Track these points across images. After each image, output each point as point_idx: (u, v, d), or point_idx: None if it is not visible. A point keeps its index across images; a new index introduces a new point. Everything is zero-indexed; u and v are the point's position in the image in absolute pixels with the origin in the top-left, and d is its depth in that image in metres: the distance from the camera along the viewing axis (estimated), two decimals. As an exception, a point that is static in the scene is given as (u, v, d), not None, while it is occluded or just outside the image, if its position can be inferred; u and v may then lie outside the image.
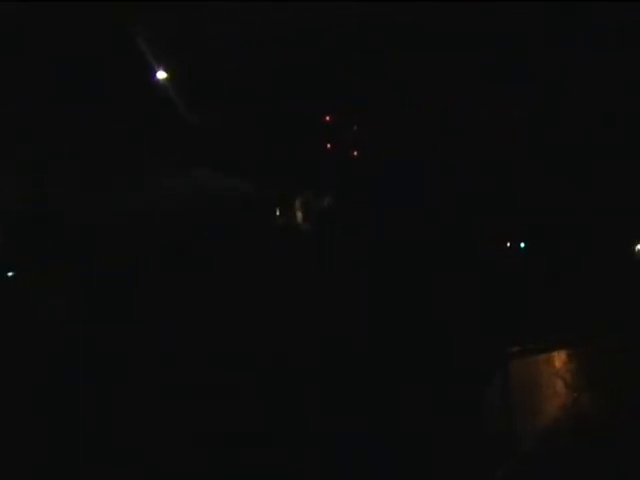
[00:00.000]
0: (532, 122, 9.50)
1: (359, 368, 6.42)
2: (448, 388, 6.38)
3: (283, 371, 6.21)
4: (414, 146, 8.95)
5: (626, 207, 10.06)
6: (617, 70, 9.14)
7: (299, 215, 8.55)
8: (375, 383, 6.36)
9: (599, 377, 8.04)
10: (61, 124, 7.27)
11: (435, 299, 7.08)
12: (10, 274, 6.47)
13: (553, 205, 9.67)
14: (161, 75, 8.09)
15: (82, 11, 7.31)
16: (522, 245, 9.36)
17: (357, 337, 6.70)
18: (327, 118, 9.32)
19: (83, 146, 7.33)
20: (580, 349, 8.28)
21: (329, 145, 9.22)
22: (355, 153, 9.23)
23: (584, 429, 7.32)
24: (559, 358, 8.15)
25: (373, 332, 6.77)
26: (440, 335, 6.68)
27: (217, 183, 7.69)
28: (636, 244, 11.06)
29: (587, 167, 9.85)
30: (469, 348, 6.76)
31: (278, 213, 8.53)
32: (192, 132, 7.93)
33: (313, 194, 8.67)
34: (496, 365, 6.92)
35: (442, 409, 6.26)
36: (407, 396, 6.19)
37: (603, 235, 10.35)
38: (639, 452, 6.46)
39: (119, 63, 7.62)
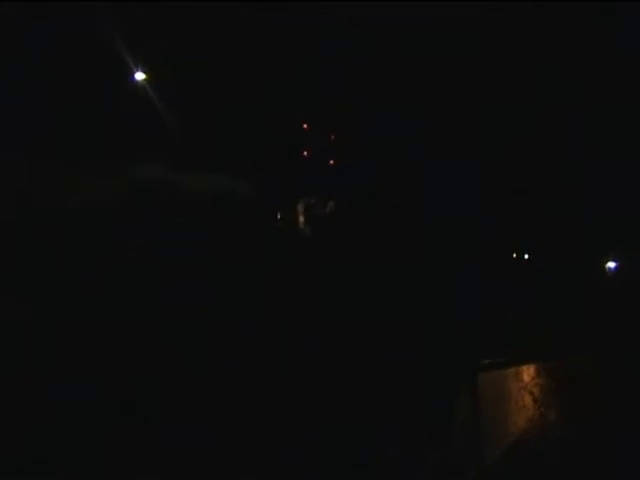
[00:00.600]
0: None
1: (330, 377, 6.39)
2: (417, 399, 6.37)
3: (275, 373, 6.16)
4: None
5: (595, 228, 10.19)
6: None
7: (301, 219, 8.52)
8: (345, 393, 6.33)
9: (566, 392, 8.12)
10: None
11: (408, 312, 7.09)
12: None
13: (528, 223, 9.77)
14: (140, 76, 8.06)
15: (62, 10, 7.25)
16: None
17: (335, 344, 6.67)
18: (304, 126, 9.34)
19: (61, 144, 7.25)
20: (548, 364, 8.36)
21: (306, 153, 9.23)
22: (332, 162, 9.25)
23: (550, 441, 7.38)
24: (528, 372, 8.22)
25: (349, 342, 6.73)
26: (411, 347, 6.68)
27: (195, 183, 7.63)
28: (605, 262, 11.23)
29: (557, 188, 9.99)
30: (439, 361, 6.78)
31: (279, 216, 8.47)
32: (171, 132, 7.89)
33: (315, 199, 8.65)
34: (465, 378, 6.94)
35: (411, 420, 6.25)
36: (376, 407, 6.16)
37: (573, 254, 10.49)
38: (602, 464, 6.53)
39: (99, 65, 7.57)
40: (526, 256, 10.46)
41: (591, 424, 7.43)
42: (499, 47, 9.32)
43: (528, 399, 8.09)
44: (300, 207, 8.65)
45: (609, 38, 9.32)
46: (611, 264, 11.27)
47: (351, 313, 6.83)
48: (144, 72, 7.93)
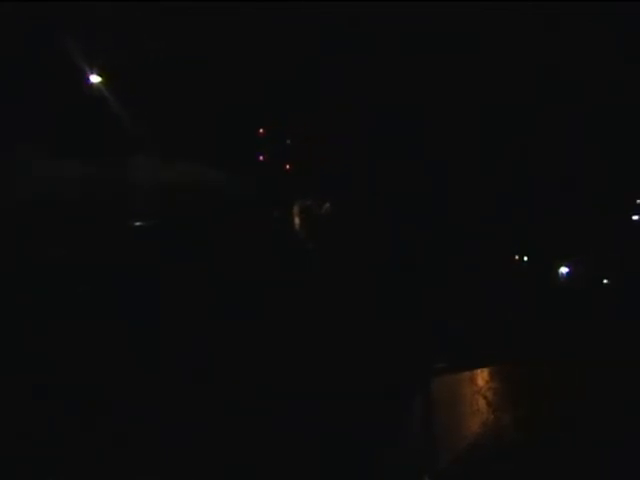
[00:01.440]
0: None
1: (289, 380, 6.34)
2: (370, 404, 6.35)
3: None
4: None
5: (550, 234, 10.31)
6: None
7: (297, 221, 8.42)
8: (299, 397, 6.28)
9: (519, 395, 8.19)
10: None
11: (362, 314, 7.07)
12: None
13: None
14: (95, 79, 7.94)
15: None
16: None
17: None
18: (260, 131, 9.26)
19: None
20: (502, 368, 8.42)
21: (262, 157, 9.15)
22: (288, 167, 9.20)
23: (503, 445, 7.43)
24: (482, 376, 8.26)
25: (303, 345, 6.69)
26: (364, 350, 6.66)
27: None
28: (558, 268, 11.39)
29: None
30: (392, 364, 6.77)
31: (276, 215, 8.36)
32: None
33: (311, 201, 8.57)
34: (419, 382, 6.95)
35: (364, 425, 6.22)
36: (328, 412, 6.13)
37: (528, 258, 10.61)
38: (556, 468, 6.59)
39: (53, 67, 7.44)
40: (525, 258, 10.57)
41: (545, 428, 7.52)
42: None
43: (482, 403, 8.13)
44: (296, 209, 8.58)
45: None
46: (564, 269, 11.46)
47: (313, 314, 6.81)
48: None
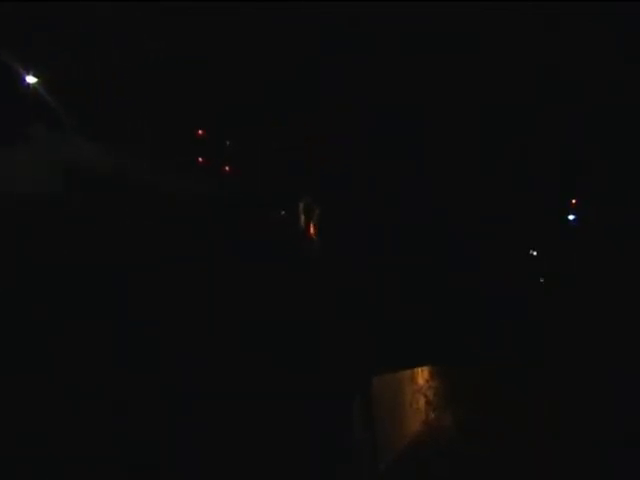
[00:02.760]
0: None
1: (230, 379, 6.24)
2: (308, 404, 6.30)
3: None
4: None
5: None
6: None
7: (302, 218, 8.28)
8: (237, 395, 6.19)
9: (458, 394, 8.28)
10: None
11: (299, 313, 7.02)
12: None
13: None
14: (31, 79, 7.74)
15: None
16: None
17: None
18: (199, 132, 9.15)
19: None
20: (442, 367, 8.51)
21: (200, 159, 9.04)
22: (227, 168, 9.10)
23: (443, 445, 7.49)
24: (422, 376, 8.32)
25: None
26: (302, 349, 6.60)
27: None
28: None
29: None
30: (331, 364, 6.73)
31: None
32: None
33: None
34: (359, 381, 6.94)
35: (302, 425, 6.17)
36: (270, 411, 6.05)
37: (482, 256, 10.69)
38: (494, 467, 6.67)
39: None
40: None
41: (484, 428, 7.62)
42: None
43: (422, 402, 8.19)
44: (301, 206, 8.44)
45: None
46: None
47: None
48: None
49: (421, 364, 8.25)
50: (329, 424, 6.56)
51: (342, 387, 6.82)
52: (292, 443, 6.09)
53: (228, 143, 9.36)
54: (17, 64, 7.70)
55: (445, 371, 8.41)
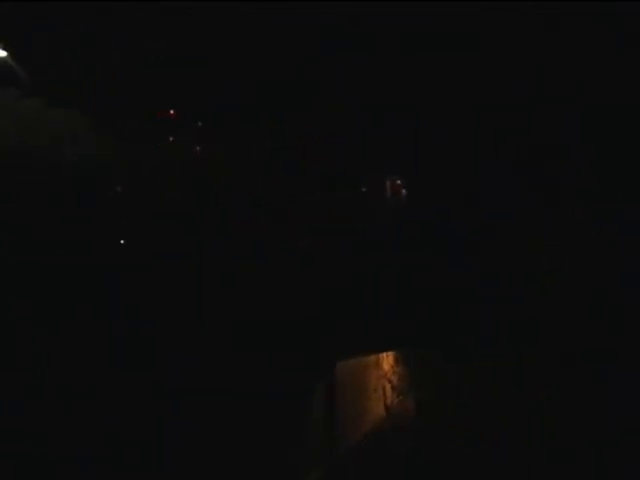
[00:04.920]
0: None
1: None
2: (270, 389, 6.35)
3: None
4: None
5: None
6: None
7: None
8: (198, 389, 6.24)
9: (424, 379, 8.32)
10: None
11: (257, 300, 7.05)
12: None
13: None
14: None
15: None
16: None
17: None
18: (171, 112, 9.10)
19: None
20: (407, 352, 8.53)
21: (171, 139, 9.00)
22: (198, 148, 9.07)
23: (403, 429, 7.54)
24: (387, 361, 8.35)
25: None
26: (263, 334, 6.65)
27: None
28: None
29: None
30: (293, 349, 6.78)
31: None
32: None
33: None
34: (321, 367, 6.98)
35: (263, 410, 6.22)
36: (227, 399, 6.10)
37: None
38: (457, 451, 6.74)
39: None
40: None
41: (447, 412, 7.66)
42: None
43: (388, 387, 8.22)
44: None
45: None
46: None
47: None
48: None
49: (386, 349, 8.27)
50: (288, 409, 6.61)
51: (304, 372, 6.88)
52: (249, 427, 6.14)
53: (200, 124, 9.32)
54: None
55: (408, 356, 8.43)
